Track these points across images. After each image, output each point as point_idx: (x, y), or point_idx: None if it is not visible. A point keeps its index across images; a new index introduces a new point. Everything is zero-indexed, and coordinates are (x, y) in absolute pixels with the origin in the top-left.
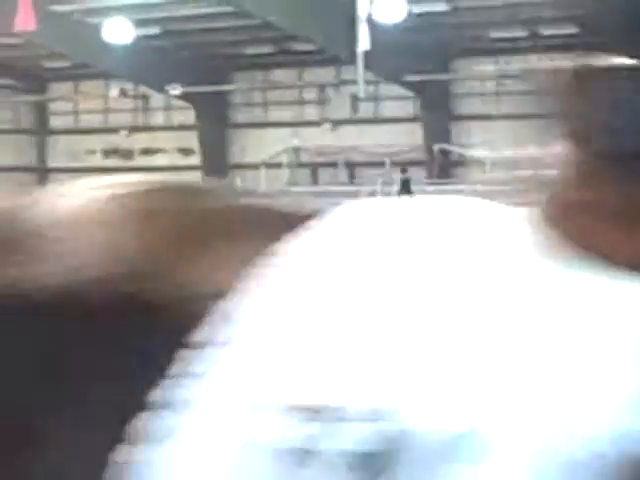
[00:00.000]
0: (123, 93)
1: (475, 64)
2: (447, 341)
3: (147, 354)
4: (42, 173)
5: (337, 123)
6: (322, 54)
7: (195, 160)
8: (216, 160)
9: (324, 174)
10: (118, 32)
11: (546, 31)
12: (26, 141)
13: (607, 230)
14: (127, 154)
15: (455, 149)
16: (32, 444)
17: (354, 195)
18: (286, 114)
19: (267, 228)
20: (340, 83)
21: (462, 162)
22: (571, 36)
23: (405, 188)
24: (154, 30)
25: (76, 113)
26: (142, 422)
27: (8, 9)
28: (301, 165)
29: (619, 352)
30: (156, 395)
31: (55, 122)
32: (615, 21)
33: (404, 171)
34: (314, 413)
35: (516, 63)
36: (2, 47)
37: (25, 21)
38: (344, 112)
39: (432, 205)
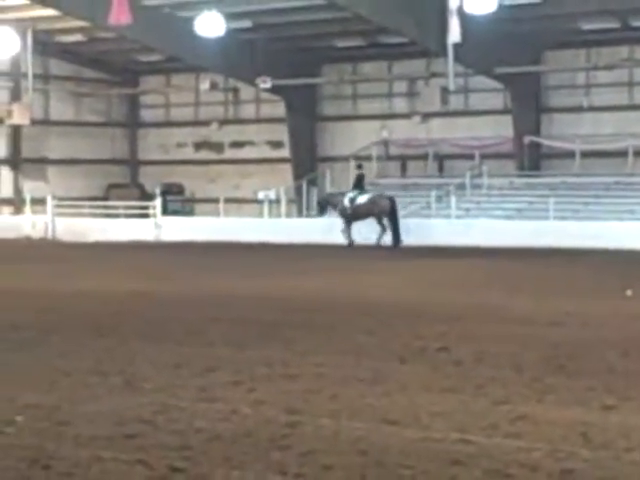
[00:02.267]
0: (214, 86)
1: (566, 56)
2: None
3: None
4: (134, 166)
5: (427, 115)
6: (412, 47)
7: (284, 153)
8: (305, 153)
9: (413, 166)
10: (210, 25)
11: (637, 22)
12: (118, 134)
13: None
14: (217, 147)
15: (545, 141)
16: None
17: (443, 187)
18: (376, 107)
19: None
20: (430, 76)
21: (552, 154)
22: None
23: (359, 183)
24: (245, 23)
25: (167, 106)
26: None
27: (102, 3)
28: (390, 158)
29: None
30: None
31: (146, 115)
32: None
33: (359, 167)
34: None
35: (607, 55)
36: (96, 41)
37: (120, 15)
38: (434, 105)
39: None
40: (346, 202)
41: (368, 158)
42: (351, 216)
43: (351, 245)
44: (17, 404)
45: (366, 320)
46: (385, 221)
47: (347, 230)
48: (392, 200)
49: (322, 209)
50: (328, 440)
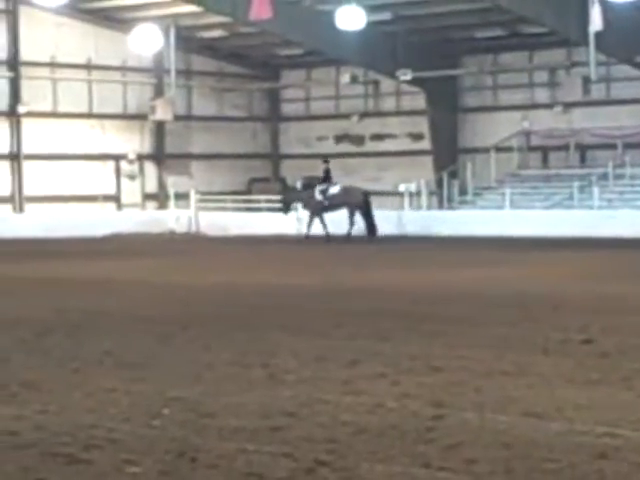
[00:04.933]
0: (354, 79)
1: None
2: None
3: None
4: (275, 160)
5: (568, 105)
6: (553, 36)
7: (425, 145)
8: (446, 144)
9: (555, 157)
10: (350, 18)
11: None
12: (260, 128)
13: None
14: (358, 139)
15: None
16: None
17: (585, 178)
18: (516, 97)
19: None
20: (571, 65)
21: None
22: None
23: (326, 176)
24: (385, 16)
25: (308, 100)
26: None
27: None
28: (531, 148)
29: None
30: None
31: (287, 109)
32: None
33: (326, 161)
34: None
35: None
36: (237, 36)
37: (261, 10)
38: (575, 94)
39: None
40: (318, 195)
41: (509, 149)
42: (327, 207)
43: (328, 237)
44: (163, 397)
45: (507, 312)
46: (357, 215)
47: (322, 223)
48: (366, 194)
49: (287, 207)
50: (473, 433)
